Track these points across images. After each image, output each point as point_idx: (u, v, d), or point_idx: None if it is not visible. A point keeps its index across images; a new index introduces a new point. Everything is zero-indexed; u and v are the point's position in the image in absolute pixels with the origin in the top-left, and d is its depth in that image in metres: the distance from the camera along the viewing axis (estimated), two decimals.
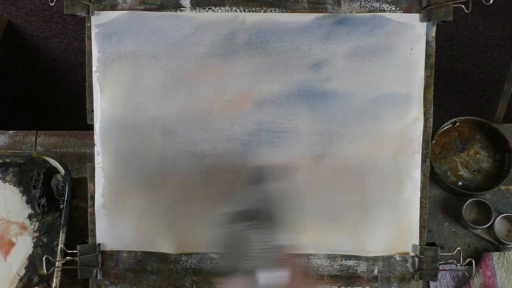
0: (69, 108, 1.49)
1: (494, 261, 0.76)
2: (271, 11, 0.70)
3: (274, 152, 0.71)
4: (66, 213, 0.75)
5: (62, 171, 0.77)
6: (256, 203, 0.58)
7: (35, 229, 0.78)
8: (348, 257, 0.72)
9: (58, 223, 0.78)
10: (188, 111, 0.71)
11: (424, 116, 0.70)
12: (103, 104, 0.71)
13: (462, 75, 1.44)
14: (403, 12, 0.69)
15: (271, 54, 0.70)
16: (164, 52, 0.70)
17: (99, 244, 0.72)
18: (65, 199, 0.76)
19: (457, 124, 0.83)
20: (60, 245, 0.72)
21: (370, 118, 0.70)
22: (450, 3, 0.67)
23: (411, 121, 0.70)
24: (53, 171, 0.79)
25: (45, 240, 0.77)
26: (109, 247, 0.72)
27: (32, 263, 0.76)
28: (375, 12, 0.70)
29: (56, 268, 0.72)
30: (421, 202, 0.71)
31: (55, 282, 0.72)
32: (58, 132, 0.86)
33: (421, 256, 0.70)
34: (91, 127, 0.72)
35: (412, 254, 0.71)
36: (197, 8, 0.70)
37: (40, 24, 1.42)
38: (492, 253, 0.76)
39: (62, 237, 0.74)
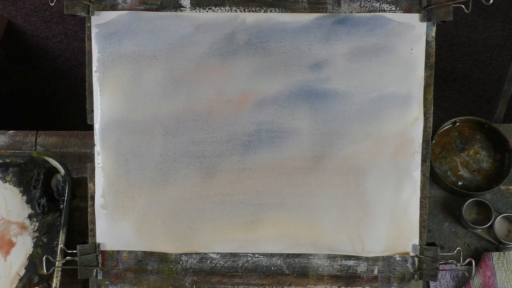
0: (69, 108, 1.49)
1: (494, 261, 0.76)
2: (271, 11, 0.70)
3: (274, 152, 0.71)
4: (66, 213, 0.75)
5: (62, 171, 0.77)
6: None
7: (35, 229, 0.78)
8: (348, 257, 0.72)
9: (58, 223, 0.78)
10: (188, 111, 0.71)
11: (424, 116, 0.70)
12: (103, 104, 0.71)
13: (462, 75, 1.44)
14: (403, 12, 0.69)
15: (271, 54, 0.70)
16: (164, 52, 0.70)
17: (99, 244, 0.72)
18: (65, 199, 0.76)
19: (457, 124, 0.83)
20: (60, 245, 0.72)
21: (370, 118, 0.70)
22: (450, 3, 0.67)
23: (411, 121, 0.70)
24: (53, 171, 0.79)
25: (45, 240, 0.77)
26: (109, 247, 0.72)
27: (32, 263, 0.76)
28: (375, 12, 0.70)
29: (56, 268, 0.72)
30: (421, 202, 0.71)
31: (55, 282, 0.72)
32: (58, 132, 0.86)
33: (421, 256, 0.70)
34: (91, 127, 0.72)
35: (412, 254, 0.71)
36: (197, 8, 0.70)
37: (40, 24, 1.42)
38: (492, 253, 0.76)
39: (62, 237, 0.74)
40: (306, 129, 0.71)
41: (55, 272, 0.72)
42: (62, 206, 0.78)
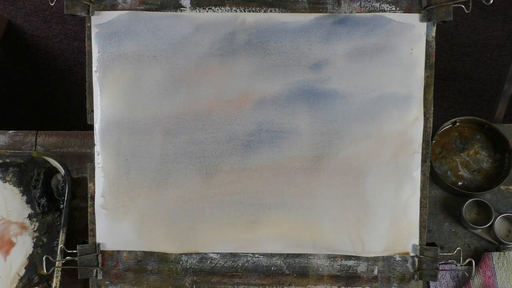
0: (69, 108, 1.49)
1: (494, 261, 0.76)
2: (271, 11, 0.70)
3: (274, 152, 0.71)
4: (66, 213, 0.75)
5: (62, 171, 0.77)
6: None
7: (35, 229, 0.78)
8: (348, 257, 0.72)
9: (58, 223, 0.78)
10: (188, 111, 0.71)
11: (424, 116, 0.70)
12: (103, 104, 0.71)
13: (462, 75, 1.44)
14: (403, 12, 0.69)
15: (271, 54, 0.70)
16: (164, 52, 0.70)
17: (99, 244, 0.72)
18: (65, 199, 0.76)
19: (457, 124, 0.83)
20: (60, 245, 0.72)
21: (370, 118, 0.70)
22: (450, 3, 0.67)
23: (411, 121, 0.70)
24: (53, 171, 0.79)
25: (45, 240, 0.77)
26: (109, 247, 0.72)
27: (32, 263, 0.76)
28: (375, 12, 0.70)
29: (56, 268, 0.72)
30: (421, 202, 0.71)
31: (55, 282, 0.72)
32: (58, 132, 0.86)
33: (421, 256, 0.70)
34: (91, 127, 0.72)
35: (412, 254, 0.71)
36: (197, 8, 0.70)
37: (40, 24, 1.42)
38: (492, 253, 0.76)
39: (62, 237, 0.74)
40: (306, 129, 0.71)
41: (55, 272, 0.72)
42: (62, 206, 0.78)
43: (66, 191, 0.77)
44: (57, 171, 0.79)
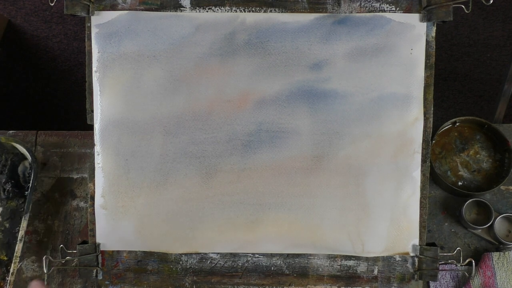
0: (69, 108, 1.49)
1: (494, 261, 0.76)
2: (271, 11, 0.70)
3: (274, 152, 0.71)
4: (29, 199, 0.76)
5: (29, 158, 0.78)
6: None
7: None
8: (348, 257, 0.72)
9: (22, 209, 0.78)
10: (188, 111, 0.71)
11: (424, 116, 0.70)
12: (103, 104, 0.71)
13: (462, 75, 1.44)
14: (403, 12, 0.69)
15: (271, 54, 0.70)
16: (164, 52, 0.70)
17: (99, 244, 0.72)
18: (30, 185, 0.77)
19: (457, 124, 0.83)
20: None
21: (370, 118, 0.70)
22: (450, 3, 0.67)
23: (411, 121, 0.70)
24: (21, 157, 0.80)
25: (7, 225, 0.78)
26: (109, 247, 0.72)
27: None
28: (375, 12, 0.70)
29: (15, 254, 0.72)
30: (421, 202, 0.71)
31: (12, 267, 0.72)
32: (58, 132, 0.86)
33: (421, 256, 0.70)
34: (91, 127, 0.72)
35: (412, 254, 0.71)
36: (197, 8, 0.70)
37: (40, 24, 1.42)
38: (492, 253, 0.76)
39: (24, 223, 0.74)
40: (306, 129, 0.71)
41: (14, 258, 0.72)
42: (27, 193, 0.78)
43: (32, 178, 0.77)
44: (25, 158, 0.79)
